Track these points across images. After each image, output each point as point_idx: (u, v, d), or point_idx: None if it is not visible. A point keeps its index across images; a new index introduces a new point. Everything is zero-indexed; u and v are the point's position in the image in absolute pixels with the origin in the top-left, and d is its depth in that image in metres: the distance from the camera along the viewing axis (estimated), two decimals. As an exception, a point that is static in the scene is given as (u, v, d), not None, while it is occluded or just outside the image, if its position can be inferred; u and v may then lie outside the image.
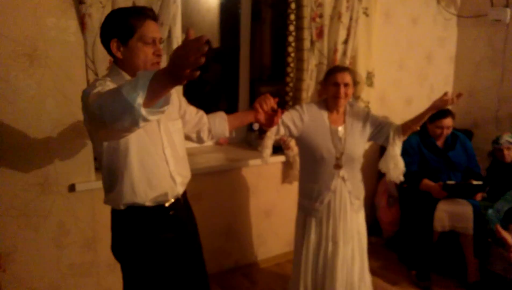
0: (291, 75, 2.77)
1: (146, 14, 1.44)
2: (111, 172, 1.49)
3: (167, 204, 1.58)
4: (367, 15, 2.96)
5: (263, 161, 2.44)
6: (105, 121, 1.15)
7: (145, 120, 1.06)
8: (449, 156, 2.89)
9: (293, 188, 2.69)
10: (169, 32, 2.22)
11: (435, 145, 2.92)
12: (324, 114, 2.22)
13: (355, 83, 2.61)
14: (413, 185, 2.88)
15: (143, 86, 1.03)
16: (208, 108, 1.95)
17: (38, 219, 2.10)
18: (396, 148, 2.20)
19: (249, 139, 3.04)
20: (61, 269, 2.21)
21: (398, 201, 3.18)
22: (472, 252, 2.74)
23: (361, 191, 2.28)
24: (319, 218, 2.20)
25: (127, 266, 1.59)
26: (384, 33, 3.22)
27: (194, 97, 2.28)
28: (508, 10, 3.25)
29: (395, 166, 2.22)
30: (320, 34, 2.79)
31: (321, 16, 2.76)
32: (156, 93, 1.05)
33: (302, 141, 2.24)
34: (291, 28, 2.68)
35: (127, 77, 1.46)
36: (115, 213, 1.58)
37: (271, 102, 1.78)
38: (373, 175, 3.33)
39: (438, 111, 2.26)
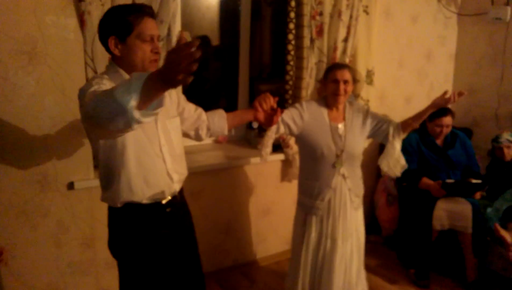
0: (291, 73, 2.76)
1: (144, 11, 1.44)
2: (108, 169, 1.49)
3: (164, 202, 1.58)
4: (367, 13, 2.96)
5: (262, 159, 2.43)
6: (99, 122, 1.16)
7: (138, 122, 1.07)
8: (448, 155, 2.89)
9: (293, 186, 2.70)
10: (169, 30, 2.22)
11: (435, 144, 2.91)
12: (324, 111, 2.22)
13: (355, 81, 2.61)
14: (412, 183, 2.88)
15: (136, 89, 1.03)
16: (208, 106, 1.95)
17: (37, 217, 2.11)
18: (396, 145, 2.22)
19: (249, 137, 3.04)
20: (59, 267, 2.22)
21: (397, 199, 3.18)
22: (471, 251, 2.74)
23: (360, 189, 2.28)
24: (319, 216, 2.20)
25: (124, 263, 1.60)
26: (384, 31, 3.22)
27: (193, 95, 2.28)
28: (509, 9, 3.25)
29: (396, 163, 2.23)
30: (320, 32, 2.78)
31: (321, 14, 2.75)
32: (149, 96, 1.05)
33: (302, 139, 2.24)
34: (291, 26, 2.67)
35: (125, 74, 1.46)
36: (112, 211, 1.58)
37: (270, 101, 1.77)
38: (372, 173, 3.33)
39: (438, 110, 2.26)
